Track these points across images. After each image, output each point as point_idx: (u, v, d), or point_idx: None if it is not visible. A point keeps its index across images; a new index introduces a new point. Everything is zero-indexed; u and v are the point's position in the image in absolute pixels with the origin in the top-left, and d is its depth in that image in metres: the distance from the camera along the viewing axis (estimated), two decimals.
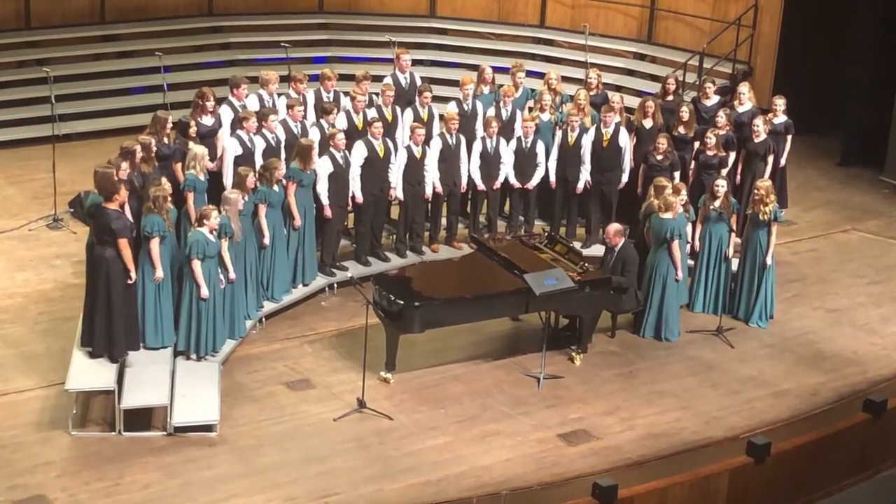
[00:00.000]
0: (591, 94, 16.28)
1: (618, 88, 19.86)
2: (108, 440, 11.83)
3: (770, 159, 15.88)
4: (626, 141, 15.61)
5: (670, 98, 16.63)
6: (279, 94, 15.38)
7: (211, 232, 12.66)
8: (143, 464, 11.51)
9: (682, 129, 15.90)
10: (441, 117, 15.72)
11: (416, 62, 18.65)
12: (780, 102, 16.43)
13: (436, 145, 15.15)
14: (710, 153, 15.42)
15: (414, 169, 14.96)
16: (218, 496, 11.17)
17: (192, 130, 14.24)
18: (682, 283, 14.29)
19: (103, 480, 11.26)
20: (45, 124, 17.97)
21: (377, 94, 15.58)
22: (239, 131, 14.29)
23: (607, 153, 15.56)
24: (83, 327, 12.52)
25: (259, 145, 14.29)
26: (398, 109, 15.51)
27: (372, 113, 15.25)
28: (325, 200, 14.41)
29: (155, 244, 12.50)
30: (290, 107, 14.86)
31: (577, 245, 14.98)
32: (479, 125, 15.71)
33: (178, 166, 13.89)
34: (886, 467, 12.47)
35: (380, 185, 14.87)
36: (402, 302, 12.88)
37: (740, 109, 16.37)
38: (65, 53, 20.19)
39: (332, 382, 13.05)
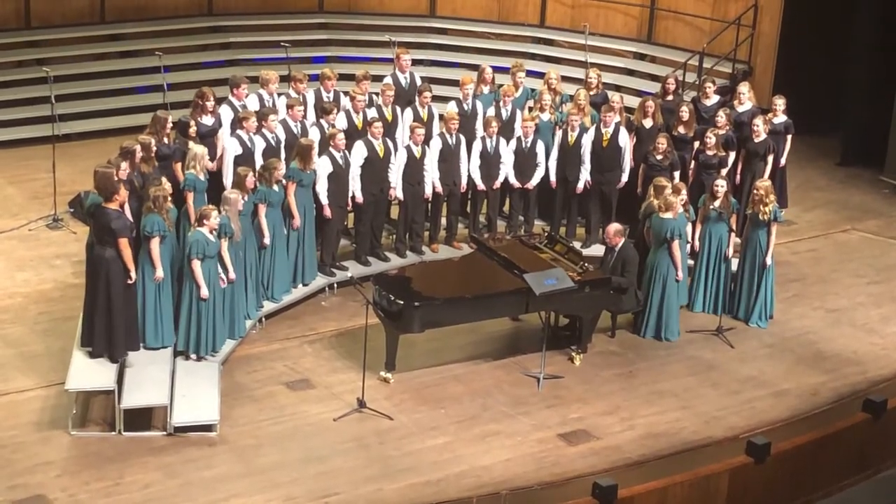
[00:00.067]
0: (591, 93, 16.27)
1: (618, 88, 19.86)
2: (108, 440, 11.83)
3: (770, 159, 15.88)
4: (625, 141, 15.61)
5: (670, 98, 16.63)
6: (279, 94, 15.38)
7: (211, 232, 12.66)
8: (143, 464, 11.51)
9: (681, 129, 15.90)
10: (441, 117, 15.73)
11: (415, 62, 18.67)
12: (779, 102, 16.43)
13: (436, 145, 15.15)
14: (709, 153, 15.43)
15: (414, 169, 14.96)
16: (218, 496, 11.17)
17: (192, 130, 14.23)
18: (682, 283, 14.29)
19: (103, 480, 11.26)
20: (45, 124, 17.98)
21: (377, 94, 15.58)
22: (239, 131, 14.29)
23: (607, 153, 15.56)
24: (83, 327, 12.52)
25: (259, 145, 14.29)
26: (398, 109, 15.51)
27: (372, 113, 15.26)
28: (324, 200, 14.41)
29: (155, 244, 12.50)
30: (290, 106, 14.86)
31: (576, 245, 14.98)
32: (478, 125, 15.71)
33: (178, 166, 13.89)
34: (886, 467, 12.47)
35: (380, 184, 14.88)
36: (401, 302, 12.88)
37: (740, 109, 16.37)
38: (65, 53, 20.20)
39: (332, 382, 13.05)
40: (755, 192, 14.48)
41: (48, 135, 17.46)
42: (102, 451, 11.65)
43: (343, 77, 16.66)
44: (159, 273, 12.59)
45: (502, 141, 15.44)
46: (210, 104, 14.54)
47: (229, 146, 14.25)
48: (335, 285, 14.87)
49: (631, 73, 21.23)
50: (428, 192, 15.23)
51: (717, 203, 14.53)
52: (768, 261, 14.49)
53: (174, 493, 11.16)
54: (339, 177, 14.46)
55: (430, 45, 22.12)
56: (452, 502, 11.15)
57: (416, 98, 15.70)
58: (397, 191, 15.05)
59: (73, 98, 19.38)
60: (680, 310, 14.42)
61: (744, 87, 16.67)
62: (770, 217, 14.34)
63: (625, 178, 15.69)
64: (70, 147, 18.37)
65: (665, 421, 12.77)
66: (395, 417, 12.47)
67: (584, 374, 13.51)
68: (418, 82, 16.23)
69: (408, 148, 14.94)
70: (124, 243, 12.10)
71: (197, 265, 12.60)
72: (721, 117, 15.70)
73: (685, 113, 15.88)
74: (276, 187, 13.74)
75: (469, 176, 15.45)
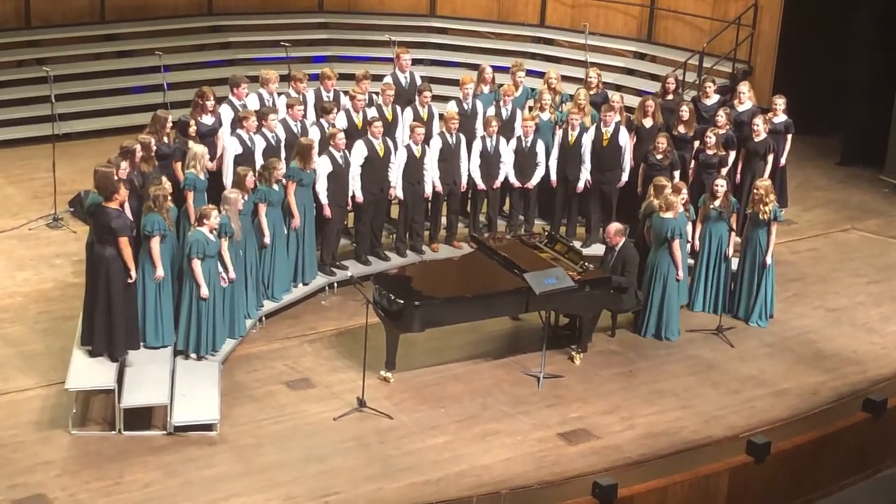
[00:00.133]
0: (591, 93, 16.28)
1: (618, 88, 19.87)
2: (108, 439, 11.83)
3: (770, 158, 15.88)
4: (626, 140, 15.61)
5: (670, 97, 16.63)
6: (279, 94, 15.38)
7: (211, 231, 12.66)
8: (143, 463, 11.51)
9: (682, 129, 15.90)
10: (441, 116, 15.73)
11: (416, 61, 18.68)
12: (780, 102, 16.43)
13: (436, 144, 15.15)
14: (709, 152, 15.42)
15: (414, 168, 14.96)
16: (218, 495, 11.17)
17: (192, 130, 14.23)
18: (682, 282, 14.29)
19: (103, 479, 11.26)
20: (45, 123, 17.98)
21: (377, 94, 15.59)
22: (239, 130, 14.29)
23: (607, 152, 15.56)
24: (83, 326, 12.52)
25: (259, 144, 14.29)
26: (398, 109, 15.51)
27: (372, 112, 15.26)
28: (323, 200, 14.41)
29: (155, 243, 12.50)
30: (290, 106, 14.86)
31: (577, 244, 14.98)
32: (479, 124, 15.72)
33: (178, 165, 13.89)
34: (886, 466, 12.47)
35: (380, 184, 14.88)
36: (402, 301, 12.88)
37: (740, 109, 16.37)
38: (65, 53, 20.20)
39: (332, 382, 13.05)
40: (755, 191, 14.48)
41: (48, 134, 17.46)
42: (102, 450, 11.65)
43: (343, 76, 16.66)
44: (159, 272, 12.59)
45: (502, 140, 15.44)
46: (210, 104, 14.54)
47: (229, 146, 14.25)
48: (335, 285, 14.87)
49: (631, 72, 21.23)
50: (428, 191, 15.23)
51: (717, 202, 14.53)
52: (768, 260, 14.49)
53: (174, 493, 11.16)
54: (339, 176, 14.46)
55: (430, 44, 22.12)
56: (452, 501, 11.15)
57: (416, 97, 15.70)
58: (397, 190, 15.05)
59: (72, 97, 19.38)
60: (680, 309, 14.42)
61: (744, 87, 16.67)
62: (770, 216, 14.34)
63: (625, 177, 15.69)
64: (70, 146, 18.37)
65: (665, 420, 12.77)
66: (395, 417, 12.47)
67: (584, 374, 13.51)
68: (418, 82, 16.23)
69: (408, 147, 14.94)
70: (124, 242, 12.10)
71: (197, 265, 12.60)
72: (721, 117, 15.70)
73: (685, 112, 15.88)
74: (276, 187, 13.74)
75: (469, 175, 15.45)
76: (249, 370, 13.16)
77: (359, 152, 14.63)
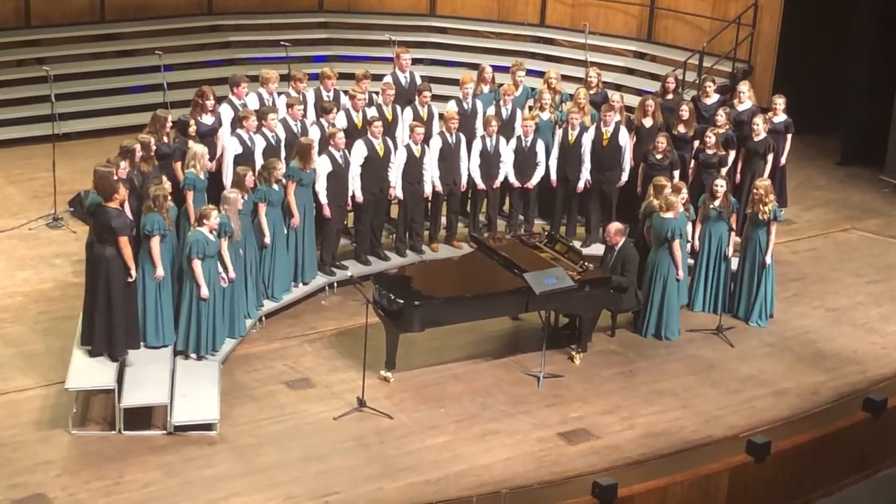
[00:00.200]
0: (591, 92, 16.28)
1: (618, 87, 19.87)
2: (108, 439, 11.83)
3: (770, 158, 15.89)
4: (626, 140, 15.61)
5: (670, 97, 16.64)
6: (279, 93, 15.38)
7: (210, 231, 12.66)
8: (143, 462, 11.51)
9: (681, 128, 15.91)
10: (441, 116, 15.73)
11: (415, 61, 18.67)
12: (779, 101, 16.43)
13: (436, 144, 15.15)
14: (709, 152, 15.42)
15: (413, 168, 14.96)
16: (218, 495, 11.17)
17: (192, 129, 14.23)
18: (682, 282, 14.29)
19: (103, 479, 11.26)
20: (44, 123, 17.98)
21: (377, 93, 15.59)
22: (239, 130, 14.29)
23: (607, 152, 15.56)
24: (83, 326, 12.52)
25: (259, 144, 14.29)
26: (398, 108, 15.51)
27: (372, 112, 15.26)
28: (323, 199, 14.41)
29: (155, 243, 12.50)
30: (289, 105, 14.86)
31: (576, 244, 14.98)
32: (478, 124, 15.71)
33: (178, 165, 13.89)
34: (886, 466, 12.47)
35: (380, 184, 14.88)
36: (401, 301, 12.88)
37: (740, 108, 16.37)
38: (65, 52, 20.19)
39: (332, 381, 13.05)
40: (755, 191, 14.48)
41: (48, 134, 17.46)
42: (102, 450, 11.65)
43: (343, 76, 16.66)
44: (160, 272, 12.59)
45: (502, 140, 15.44)
46: (210, 103, 14.54)
47: (229, 145, 14.25)
48: (335, 284, 14.87)
49: (631, 72, 21.23)
50: (428, 191, 15.23)
51: (716, 202, 14.53)
52: (768, 260, 14.49)
53: (174, 492, 11.16)
54: (338, 176, 14.46)
55: (430, 44, 22.12)
56: (452, 501, 11.15)
57: (416, 97, 15.70)
58: (397, 190, 15.05)
59: (72, 97, 19.38)
60: (680, 309, 14.42)
61: (744, 86, 16.67)
62: (770, 216, 14.34)
63: (625, 177, 15.69)
64: (70, 146, 18.37)
65: (665, 420, 12.77)
66: (395, 416, 12.47)
67: (584, 374, 13.51)
68: (418, 81, 16.23)
69: (407, 147, 14.94)
70: (124, 242, 12.10)
71: (197, 265, 12.59)
72: (721, 116, 15.70)
73: (685, 112, 15.88)
74: (275, 186, 13.74)
75: (469, 175, 15.45)
76: (249, 370, 13.16)
77: (359, 152, 14.63)
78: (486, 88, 16.39)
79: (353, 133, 14.92)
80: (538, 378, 13.24)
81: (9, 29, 20.09)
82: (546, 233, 14.66)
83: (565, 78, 18.36)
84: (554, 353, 13.66)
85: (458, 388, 13.11)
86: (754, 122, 15.79)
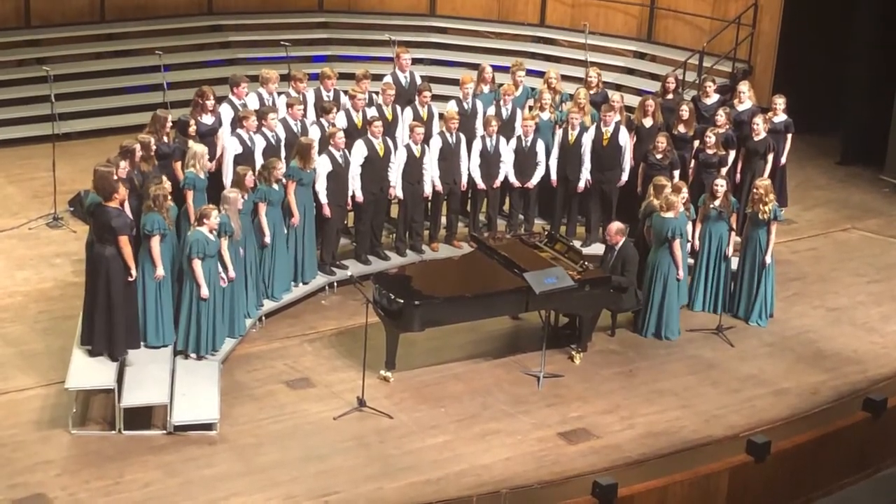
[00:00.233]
0: (591, 92, 16.28)
1: (618, 87, 19.87)
2: (108, 439, 11.83)
3: (770, 158, 15.89)
4: (626, 140, 15.61)
5: (670, 97, 16.64)
6: (279, 93, 15.38)
7: (210, 231, 12.66)
8: (143, 462, 11.51)
9: (681, 128, 15.91)
10: (441, 116, 15.73)
11: (415, 61, 18.67)
12: (779, 101, 16.43)
13: (436, 144, 15.15)
14: (709, 152, 15.43)
15: (413, 168, 14.97)
16: (218, 495, 11.17)
17: (192, 129, 14.24)
18: (682, 282, 14.29)
19: (103, 479, 11.26)
20: (44, 123, 17.98)
21: (377, 93, 15.59)
22: (239, 130, 14.29)
23: (607, 152, 15.56)
24: (83, 326, 12.52)
25: (259, 144, 14.30)
26: (398, 108, 15.51)
27: (372, 112, 15.26)
28: (323, 199, 14.41)
29: (155, 242, 12.50)
30: (289, 105, 14.86)
31: (576, 244, 14.98)
32: (479, 124, 15.71)
33: (178, 165, 13.89)
34: (886, 466, 12.47)
35: (380, 183, 14.88)
36: (402, 300, 12.88)
37: (740, 108, 16.37)
38: (65, 52, 20.19)
39: (332, 381, 13.05)
40: (755, 190, 14.48)
41: (48, 133, 17.46)
42: (102, 449, 11.65)
43: (343, 76, 16.66)
44: (160, 271, 12.59)
45: (502, 140, 15.44)
46: (210, 103, 14.55)
47: (229, 145, 14.26)
48: (335, 284, 14.87)
49: (631, 72, 21.23)
50: (427, 191, 15.23)
51: (717, 202, 14.53)
52: (768, 259, 14.48)
53: (174, 492, 11.16)
54: (338, 176, 14.46)
55: (430, 44, 22.12)
56: (452, 501, 11.15)
57: (416, 97, 15.70)
58: (397, 190, 15.05)
59: (72, 97, 19.38)
60: (680, 309, 14.41)
61: (744, 86, 16.67)
62: (770, 216, 14.34)
63: (625, 177, 15.69)
64: (70, 146, 18.37)
65: (665, 420, 12.77)
66: (395, 416, 12.47)
67: (584, 373, 13.51)
68: (418, 81, 16.23)
69: (407, 147, 14.95)
70: (124, 241, 12.10)
71: (197, 265, 12.59)
72: (721, 116, 15.71)
73: (685, 112, 15.88)
74: (275, 186, 13.75)
75: (469, 175, 15.45)
76: (249, 369, 13.16)
77: (359, 152, 14.63)
78: (486, 88, 16.39)
79: (353, 133, 14.92)
80: (538, 378, 13.23)
81: (9, 29, 20.09)
82: (546, 232, 14.66)
83: (565, 78, 18.36)
84: (554, 353, 13.66)
85: (458, 387, 13.11)
86: (754, 121, 15.79)
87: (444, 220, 15.73)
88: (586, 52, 19.84)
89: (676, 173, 15.25)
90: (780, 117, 16.32)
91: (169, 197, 12.68)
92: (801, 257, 16.55)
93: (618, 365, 13.75)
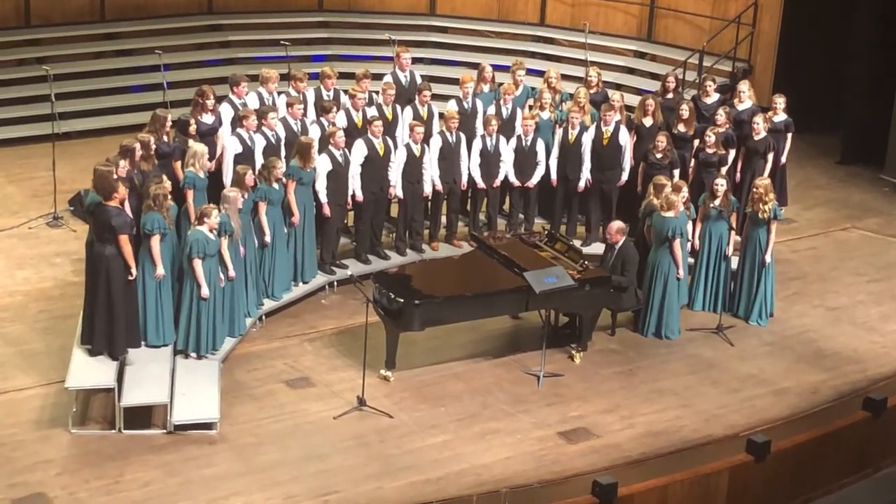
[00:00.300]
0: (592, 92, 16.28)
1: (618, 87, 19.86)
2: (108, 438, 11.83)
3: (770, 157, 15.89)
4: (626, 139, 15.61)
5: (670, 96, 16.64)
6: (279, 93, 15.38)
7: (211, 230, 12.66)
8: (143, 462, 11.51)
9: (682, 127, 15.90)
10: (441, 115, 15.73)
11: (416, 60, 18.68)
12: (780, 101, 16.44)
13: (436, 143, 15.15)
14: (709, 151, 15.43)
15: (413, 167, 14.97)
16: (218, 494, 11.17)
17: (192, 128, 14.23)
18: (682, 281, 14.29)
19: (103, 478, 11.26)
20: (45, 122, 17.99)
21: (377, 93, 15.59)
22: (239, 129, 14.29)
23: (607, 151, 15.56)
24: (83, 325, 12.52)
25: (259, 143, 14.29)
26: (398, 108, 15.51)
27: (372, 111, 15.26)
28: (323, 199, 14.41)
29: (155, 242, 12.50)
30: (289, 105, 14.87)
31: (577, 243, 14.97)
32: (479, 123, 15.71)
33: (178, 164, 13.89)
34: (886, 465, 12.46)
35: (380, 183, 14.88)
36: (402, 300, 12.88)
37: (740, 107, 16.37)
38: (65, 52, 20.19)
39: (332, 380, 13.05)
40: (754, 190, 14.48)
41: (48, 133, 17.46)
42: (102, 449, 11.65)
43: (343, 75, 16.65)
44: (160, 271, 12.59)
45: (502, 139, 15.44)
46: (210, 102, 14.55)
47: (229, 144, 14.26)
48: (335, 283, 14.87)
49: (631, 71, 21.23)
50: (427, 190, 15.23)
51: (717, 201, 14.53)
52: (768, 259, 14.48)
53: (174, 492, 11.16)
54: (338, 175, 14.46)
55: (430, 43, 22.12)
56: (452, 500, 11.15)
57: (416, 96, 15.70)
58: (397, 189, 15.05)
59: (72, 96, 19.38)
60: (680, 308, 14.41)
61: (744, 86, 16.67)
62: (770, 215, 14.34)
63: (625, 176, 15.69)
64: (70, 145, 18.37)
65: (665, 419, 12.77)
66: (395, 415, 12.47)
67: (585, 373, 13.51)
68: (418, 81, 16.23)
69: (407, 146, 14.95)
70: (124, 240, 12.10)
71: (198, 264, 12.59)
72: (721, 115, 15.71)
73: (685, 111, 15.88)
74: (276, 185, 13.75)
75: (469, 174, 15.44)
76: (249, 369, 13.16)
77: (359, 151, 14.64)
78: (486, 88, 16.39)
79: (353, 132, 14.92)
80: (538, 377, 13.23)
81: (9, 28, 20.10)
82: (546, 232, 14.66)
83: (565, 77, 18.37)
84: (554, 352, 13.66)
85: (459, 387, 13.11)
86: (754, 121, 15.79)
87: (444, 219, 15.73)
88: (586, 52, 19.84)
89: (676, 172, 15.25)
90: (780, 116, 16.32)
91: (169, 196, 12.68)
92: (801, 256, 16.55)
93: (618, 364, 13.75)
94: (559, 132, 15.72)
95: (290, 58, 18.59)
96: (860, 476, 12.27)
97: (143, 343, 12.66)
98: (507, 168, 15.54)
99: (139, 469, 11.40)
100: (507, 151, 15.49)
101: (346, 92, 15.60)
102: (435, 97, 16.00)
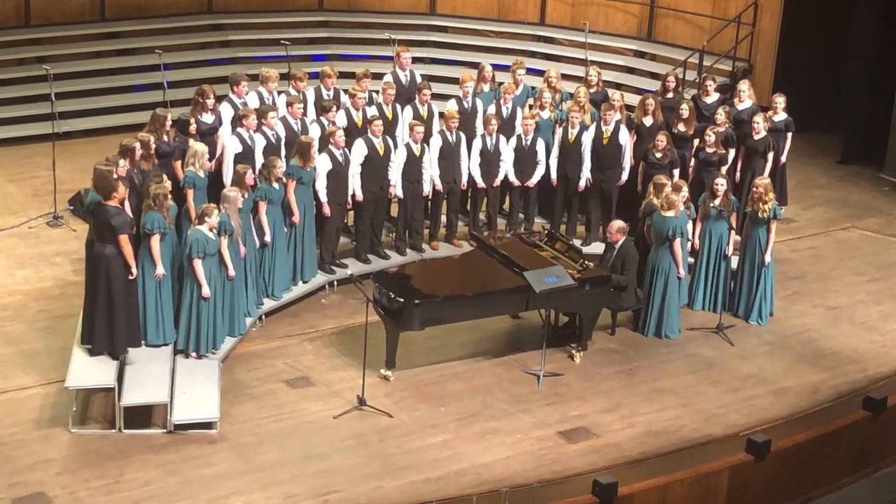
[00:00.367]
0: (592, 91, 16.28)
1: (618, 86, 19.86)
2: (108, 437, 11.83)
3: (770, 157, 15.89)
4: (626, 138, 15.61)
5: (670, 95, 16.64)
6: (279, 92, 15.38)
7: (211, 230, 12.66)
8: (143, 461, 11.51)
9: (682, 127, 15.90)
10: (441, 115, 15.73)
11: (416, 60, 18.67)
12: (780, 100, 16.44)
13: (436, 143, 15.15)
14: (709, 150, 15.43)
15: (413, 167, 14.97)
16: (218, 494, 11.17)
17: (192, 128, 14.24)
18: (682, 281, 14.29)
19: (103, 478, 11.26)
20: (45, 122, 17.99)
21: (377, 92, 15.59)
22: (239, 129, 14.29)
23: (607, 151, 15.56)
24: (83, 325, 12.52)
25: (259, 143, 14.30)
26: (398, 107, 15.51)
27: (372, 111, 15.26)
28: (323, 198, 14.41)
29: (155, 241, 12.50)
30: (289, 104, 14.87)
31: (577, 243, 14.97)
32: (479, 123, 15.71)
33: (178, 164, 13.89)
34: (886, 465, 12.47)
35: (380, 182, 14.88)
36: (402, 299, 12.88)
37: (740, 107, 16.37)
38: (65, 51, 20.18)
39: (332, 380, 13.05)
40: (754, 189, 14.48)
41: (48, 132, 17.47)
42: (102, 448, 11.65)
43: (343, 75, 16.64)
44: (160, 270, 12.59)
45: (502, 139, 15.44)
46: (210, 102, 14.54)
47: (229, 144, 14.26)
48: (335, 283, 14.87)
49: (631, 70, 21.23)
50: (427, 189, 15.23)
51: (717, 201, 14.53)
52: (767, 258, 14.48)
53: (174, 491, 11.16)
54: (338, 174, 14.46)
55: (430, 43, 22.12)
56: (452, 500, 11.15)
57: (416, 96, 15.70)
58: (397, 189, 15.05)
59: (73, 96, 19.38)
60: (680, 308, 14.41)
61: (744, 85, 16.67)
62: (769, 215, 14.35)
63: (625, 175, 15.69)
64: (70, 145, 18.37)
65: (665, 418, 12.77)
66: (396, 415, 12.47)
67: (585, 372, 13.51)
68: (418, 80, 16.23)
69: (407, 146, 14.95)
70: (124, 240, 12.11)
71: (198, 264, 12.59)
72: (721, 115, 15.71)
73: (685, 110, 15.88)
74: (276, 185, 13.75)
75: (469, 174, 15.45)
76: (249, 368, 13.16)
77: (359, 151, 14.64)
78: (486, 87, 16.39)
79: (353, 132, 14.92)
80: (538, 376, 13.24)
81: (9, 28, 20.10)
82: (546, 231, 14.66)
83: (565, 77, 18.37)
84: (554, 352, 13.66)
85: (459, 386, 13.11)
86: (754, 120, 15.80)
87: (444, 218, 15.74)
88: (586, 51, 19.84)
89: (676, 172, 15.25)
90: (780, 116, 16.33)
91: (169, 196, 12.68)
92: (801, 256, 16.55)
93: (618, 364, 13.76)
94: (559, 132, 15.72)
95: (290, 57, 18.60)
96: (860, 475, 12.28)
97: (143, 342, 12.66)
98: (507, 167, 15.55)
99: (139, 468, 11.40)
100: (507, 151, 15.49)
101: (346, 91, 15.59)
102: (435, 97, 16.00)
